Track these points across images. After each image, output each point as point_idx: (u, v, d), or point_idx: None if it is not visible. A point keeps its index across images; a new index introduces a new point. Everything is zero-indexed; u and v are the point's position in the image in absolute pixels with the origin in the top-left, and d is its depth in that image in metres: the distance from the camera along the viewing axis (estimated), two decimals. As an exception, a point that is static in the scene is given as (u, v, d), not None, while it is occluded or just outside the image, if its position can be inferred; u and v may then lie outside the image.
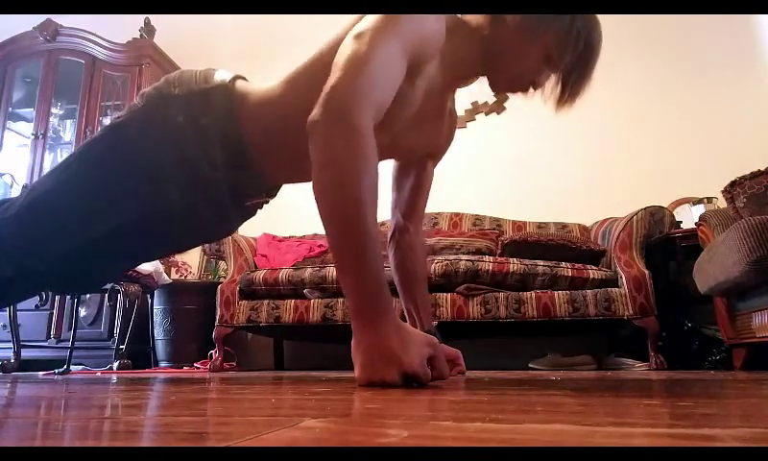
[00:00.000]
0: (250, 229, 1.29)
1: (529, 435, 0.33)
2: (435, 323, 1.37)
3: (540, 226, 2.80)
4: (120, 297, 2.59)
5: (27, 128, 3.57)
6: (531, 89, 1.06)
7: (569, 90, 1.04)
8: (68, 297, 2.79)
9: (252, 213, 1.25)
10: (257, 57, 3.60)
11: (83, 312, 2.90)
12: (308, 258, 2.66)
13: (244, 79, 1.12)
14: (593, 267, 2.24)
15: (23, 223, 1.05)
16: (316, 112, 0.80)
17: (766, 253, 1.53)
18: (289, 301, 2.38)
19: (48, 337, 2.99)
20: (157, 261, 2.66)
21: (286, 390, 0.88)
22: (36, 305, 2.88)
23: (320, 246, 2.71)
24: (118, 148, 1.05)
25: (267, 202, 1.25)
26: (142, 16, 3.50)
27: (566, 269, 2.19)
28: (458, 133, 1.27)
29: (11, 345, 2.34)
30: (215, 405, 0.61)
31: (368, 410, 0.51)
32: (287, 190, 1.26)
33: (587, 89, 1.04)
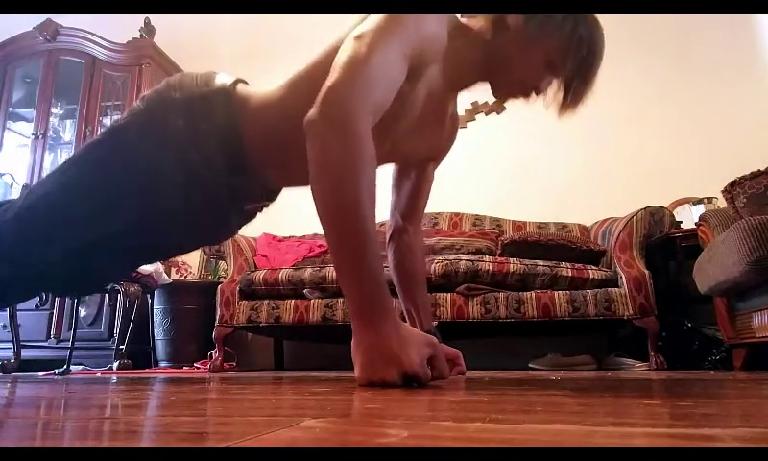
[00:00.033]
0: (250, 229, 1.29)
1: (529, 435, 0.33)
2: (435, 323, 1.37)
3: (540, 226, 2.80)
4: (120, 297, 2.59)
5: (27, 128, 3.57)
6: (533, 95, 1.06)
7: (572, 96, 1.03)
8: (68, 297, 2.79)
9: (253, 217, 1.25)
10: (257, 57, 3.60)
11: (83, 312, 2.90)
12: (308, 258, 2.66)
13: (245, 82, 1.12)
14: (593, 267, 2.24)
15: (22, 225, 1.05)
16: (313, 112, 0.80)
17: (766, 253, 1.53)
18: (289, 301, 2.38)
19: (48, 337, 2.99)
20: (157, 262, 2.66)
21: (286, 390, 0.88)
22: (36, 305, 2.88)
23: (320, 246, 2.71)
24: (118, 151, 1.05)
25: (267, 205, 1.25)
26: (142, 16, 3.50)
27: (566, 269, 2.19)
28: (458, 133, 1.27)
29: (11, 345, 2.34)
30: (215, 405, 0.61)
31: (368, 410, 0.51)
32: (287, 190, 1.26)
33: (589, 95, 1.04)
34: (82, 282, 1.28)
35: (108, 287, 2.56)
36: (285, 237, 2.88)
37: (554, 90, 1.06)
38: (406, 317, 1.26)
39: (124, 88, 3.41)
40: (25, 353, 2.42)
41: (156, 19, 3.56)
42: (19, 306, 2.42)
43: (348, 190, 0.76)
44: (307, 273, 2.37)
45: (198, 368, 2.62)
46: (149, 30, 3.51)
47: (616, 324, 2.23)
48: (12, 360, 2.30)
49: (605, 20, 1.05)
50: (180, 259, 3.10)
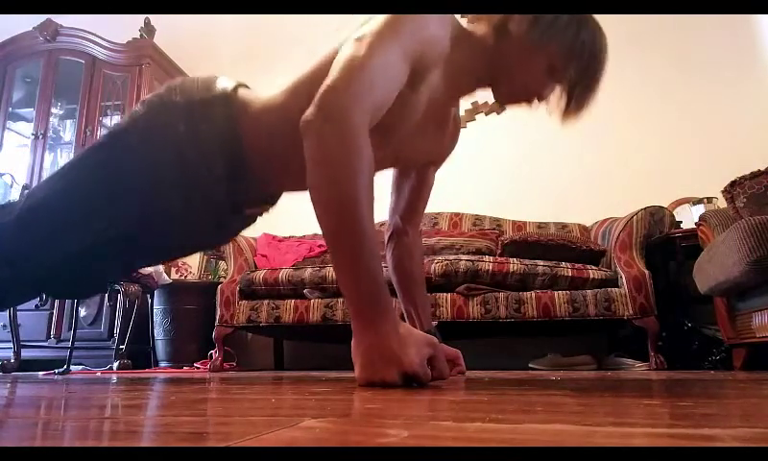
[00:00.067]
0: (250, 229, 1.29)
1: (529, 435, 0.33)
2: (435, 323, 1.37)
3: (540, 226, 2.80)
4: (120, 297, 2.59)
5: (27, 128, 3.57)
6: (536, 101, 1.05)
7: (575, 102, 1.03)
8: (68, 300, 2.79)
9: (253, 221, 1.25)
10: (257, 57, 3.61)
11: (83, 312, 2.90)
12: (308, 258, 2.66)
13: (246, 86, 1.11)
14: (593, 267, 2.24)
15: (23, 228, 1.05)
16: (310, 111, 0.79)
17: (766, 253, 1.53)
18: (289, 301, 2.38)
19: (48, 337, 2.99)
20: (157, 261, 2.66)
21: (286, 390, 0.88)
22: (36, 305, 2.88)
23: (320, 246, 2.71)
24: (119, 154, 1.05)
25: (267, 210, 1.25)
26: (142, 16, 3.51)
27: (566, 269, 2.19)
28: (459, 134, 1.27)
29: (11, 345, 2.34)
30: (215, 405, 0.61)
31: (368, 410, 0.51)
32: (287, 190, 1.26)
33: (592, 102, 1.03)
34: (81, 285, 1.28)
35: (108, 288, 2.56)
36: (285, 237, 2.88)
37: (557, 97, 1.05)
38: (406, 317, 1.26)
39: (124, 88, 3.41)
40: (25, 353, 2.42)
41: (156, 19, 3.56)
42: (19, 306, 2.42)
43: (346, 189, 0.76)
44: (307, 273, 2.37)
45: (198, 368, 2.62)
46: (149, 30, 3.51)
47: (616, 324, 2.23)
48: (12, 360, 2.30)
49: (605, 20, 1.04)
50: (179, 260, 3.10)
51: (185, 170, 1.01)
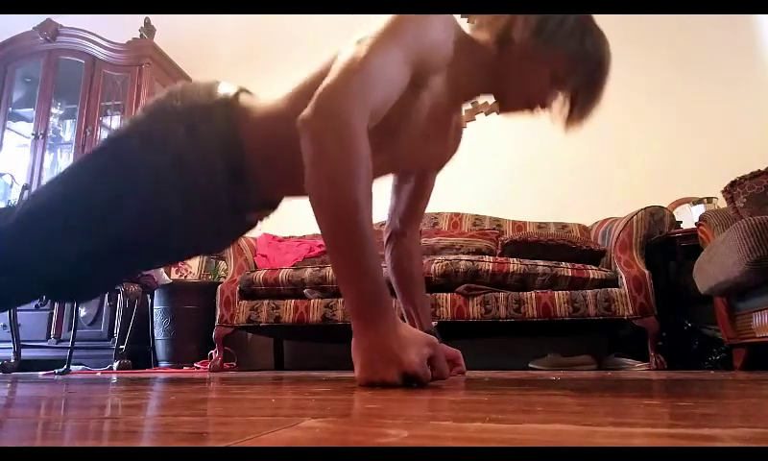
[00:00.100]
0: (250, 229, 1.30)
1: (529, 435, 0.33)
2: (435, 323, 1.37)
3: (540, 226, 2.80)
4: (120, 297, 2.59)
5: (27, 128, 3.57)
6: (539, 109, 1.04)
7: (578, 110, 1.02)
8: (67, 303, 2.79)
9: (253, 226, 1.25)
10: (257, 57, 3.61)
11: (83, 312, 2.90)
12: (308, 258, 2.66)
13: (248, 92, 1.10)
14: (593, 267, 2.24)
15: (22, 232, 1.04)
16: (307, 111, 0.79)
17: (766, 253, 1.53)
18: (289, 301, 2.38)
19: (48, 337, 2.99)
20: (157, 261, 2.66)
21: (286, 390, 0.88)
22: (36, 305, 2.88)
23: (320, 246, 2.71)
24: (119, 160, 1.04)
25: (268, 215, 1.25)
26: (142, 16, 3.51)
27: (566, 269, 2.19)
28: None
29: (11, 345, 2.34)
30: (215, 405, 0.61)
31: (368, 410, 0.51)
32: (287, 190, 1.26)
33: (596, 110, 1.03)
34: (81, 289, 1.28)
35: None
36: (285, 237, 2.88)
37: (559, 104, 1.04)
38: (405, 318, 1.26)
39: (124, 88, 3.41)
40: (25, 353, 2.42)
41: (156, 19, 3.56)
42: (19, 306, 2.42)
43: (344, 189, 0.76)
44: (307, 273, 2.37)
45: (198, 368, 2.62)
46: (149, 30, 3.51)
47: (616, 324, 2.23)
48: (12, 360, 2.30)
49: (605, 20, 1.04)
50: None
51: (186, 176, 1.00)
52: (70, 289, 1.23)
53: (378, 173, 1.14)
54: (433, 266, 2.25)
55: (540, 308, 2.15)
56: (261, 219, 1.24)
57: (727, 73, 3.02)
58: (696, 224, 2.21)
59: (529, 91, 1.02)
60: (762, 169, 1.99)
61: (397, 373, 0.73)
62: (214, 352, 2.46)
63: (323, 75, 0.89)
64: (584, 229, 2.74)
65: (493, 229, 2.82)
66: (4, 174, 3.33)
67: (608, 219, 2.55)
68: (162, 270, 2.75)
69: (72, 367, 2.42)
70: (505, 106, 1.07)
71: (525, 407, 0.52)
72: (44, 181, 3.31)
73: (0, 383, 1.27)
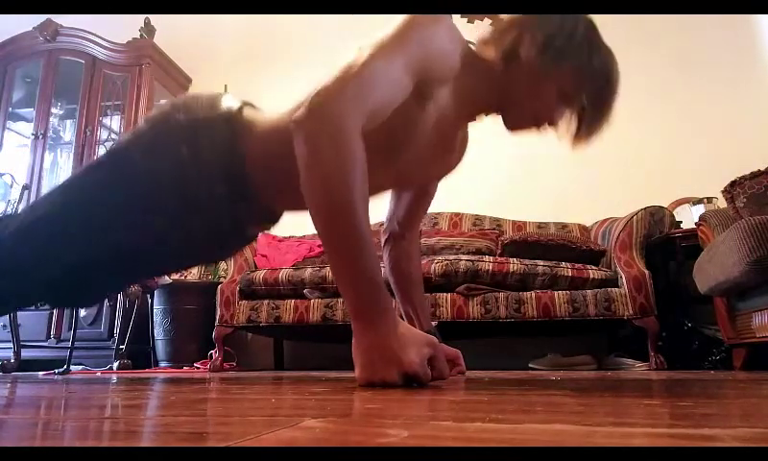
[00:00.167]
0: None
1: (529, 435, 0.33)
2: (435, 323, 1.37)
3: (540, 226, 2.80)
4: (120, 297, 2.59)
5: (27, 128, 3.57)
6: (546, 126, 1.03)
7: (586, 127, 1.01)
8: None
9: (254, 239, 1.25)
10: (257, 57, 3.61)
11: (83, 312, 2.90)
12: (308, 258, 2.66)
13: (252, 106, 1.09)
14: (593, 267, 2.24)
15: (23, 241, 1.04)
16: (300, 112, 0.78)
17: (766, 253, 1.53)
18: (289, 301, 2.38)
19: (48, 337, 3.00)
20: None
21: (286, 390, 0.88)
22: (36, 305, 2.88)
23: (320, 246, 2.71)
24: (120, 172, 1.04)
25: (268, 229, 1.24)
26: (142, 16, 3.51)
27: (566, 269, 2.19)
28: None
29: (11, 345, 2.34)
30: (215, 405, 0.61)
31: (368, 410, 0.51)
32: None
33: (605, 127, 1.01)
34: (81, 296, 1.28)
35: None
36: (285, 237, 2.88)
37: (566, 120, 1.03)
38: (405, 318, 1.25)
39: (124, 88, 3.41)
40: (25, 353, 2.42)
41: (156, 19, 3.56)
42: (19, 306, 2.42)
43: (339, 189, 0.75)
44: (307, 273, 2.37)
45: (198, 368, 2.62)
46: (149, 30, 3.51)
47: (616, 324, 2.23)
48: (12, 360, 2.29)
49: (605, 20, 1.04)
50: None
51: (187, 190, 1.00)
52: (70, 295, 1.23)
53: (386, 188, 1.14)
54: (433, 266, 2.25)
55: (540, 308, 2.15)
56: (262, 231, 1.24)
57: (727, 73, 3.02)
58: (696, 224, 2.21)
59: (536, 108, 1.01)
60: (762, 169, 1.99)
61: (397, 373, 0.73)
62: (214, 352, 2.46)
63: None
64: (584, 229, 2.74)
65: (493, 229, 2.82)
66: (4, 174, 3.33)
67: (608, 219, 2.55)
68: (162, 270, 2.75)
69: (72, 367, 2.42)
70: (511, 123, 1.05)
71: (525, 407, 0.52)
72: (45, 189, 3.33)
73: (0, 383, 1.27)
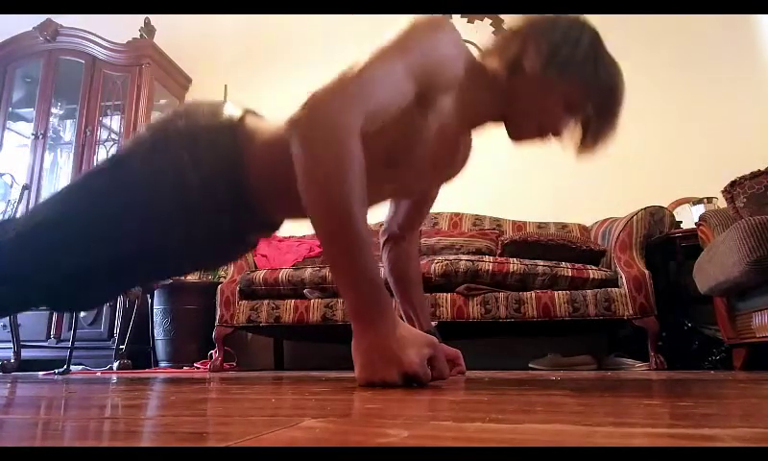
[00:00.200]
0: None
1: (529, 435, 0.33)
2: (435, 323, 1.37)
3: (540, 226, 2.80)
4: (120, 297, 2.59)
5: (27, 128, 3.57)
6: (551, 136, 1.02)
7: (591, 137, 1.00)
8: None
9: (254, 246, 1.25)
10: (257, 57, 3.60)
11: (83, 313, 2.90)
12: (308, 258, 2.66)
13: (255, 113, 1.09)
14: (593, 267, 2.24)
15: (21, 247, 1.04)
16: (297, 113, 0.78)
17: (766, 253, 1.53)
18: (289, 301, 2.38)
19: (48, 337, 3.00)
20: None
21: (286, 390, 0.88)
22: (36, 306, 2.87)
23: (320, 246, 2.70)
24: (120, 180, 1.04)
25: (268, 236, 1.24)
26: (142, 16, 3.51)
27: (566, 269, 2.19)
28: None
29: (11, 345, 2.33)
30: (215, 405, 0.61)
31: (368, 410, 0.51)
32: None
33: (611, 137, 1.01)
34: (80, 301, 1.28)
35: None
36: (285, 237, 2.88)
37: (570, 130, 1.02)
38: (404, 319, 1.25)
39: (124, 88, 3.41)
40: (25, 353, 2.42)
41: (156, 19, 3.56)
42: (19, 306, 2.42)
43: (337, 191, 0.75)
44: (307, 273, 2.37)
45: (198, 368, 2.62)
46: (149, 30, 3.51)
47: (616, 324, 2.23)
48: (12, 360, 2.29)
49: (605, 19, 1.04)
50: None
51: (187, 198, 0.99)
52: (69, 301, 1.23)
53: (387, 198, 1.14)
54: (433, 266, 2.25)
55: (540, 308, 2.15)
56: (263, 237, 1.24)
57: (727, 73, 3.02)
58: (696, 224, 2.21)
59: (541, 120, 1.00)
60: (762, 169, 1.99)
61: (397, 373, 0.73)
62: (214, 352, 2.46)
63: None
64: (584, 229, 2.74)
65: (493, 229, 2.82)
66: (4, 174, 3.33)
67: (608, 219, 2.55)
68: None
69: (72, 367, 2.42)
70: (515, 133, 1.04)
71: (525, 407, 0.52)
72: (45, 189, 3.32)
73: (0, 383, 1.27)
